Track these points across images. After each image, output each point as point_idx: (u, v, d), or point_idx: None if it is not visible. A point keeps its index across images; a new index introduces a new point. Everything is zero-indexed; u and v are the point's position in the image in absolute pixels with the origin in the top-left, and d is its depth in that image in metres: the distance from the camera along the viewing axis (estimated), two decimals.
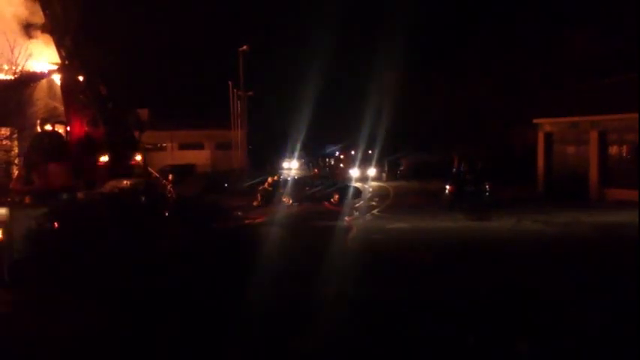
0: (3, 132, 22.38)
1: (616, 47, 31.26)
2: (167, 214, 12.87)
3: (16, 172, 22.25)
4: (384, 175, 47.43)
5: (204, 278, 10.18)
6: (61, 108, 22.75)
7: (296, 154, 58.31)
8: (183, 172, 39.59)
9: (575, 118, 28.46)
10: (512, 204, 24.76)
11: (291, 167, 55.19)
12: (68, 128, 21.95)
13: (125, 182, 19.29)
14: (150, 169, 24.17)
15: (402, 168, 48.52)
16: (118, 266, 10.34)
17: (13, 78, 22.39)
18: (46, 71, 23.49)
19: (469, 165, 28.09)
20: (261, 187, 28.37)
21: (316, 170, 44.79)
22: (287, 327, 8.51)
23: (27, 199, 19.66)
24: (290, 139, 55.93)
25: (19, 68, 22.23)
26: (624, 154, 26.53)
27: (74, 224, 11.81)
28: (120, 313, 9.07)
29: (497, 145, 38.40)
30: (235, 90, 50.79)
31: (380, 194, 31.93)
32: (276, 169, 49.10)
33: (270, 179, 29.06)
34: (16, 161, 22.76)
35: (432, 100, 45.24)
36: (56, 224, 12.01)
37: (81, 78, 21.94)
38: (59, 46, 21.85)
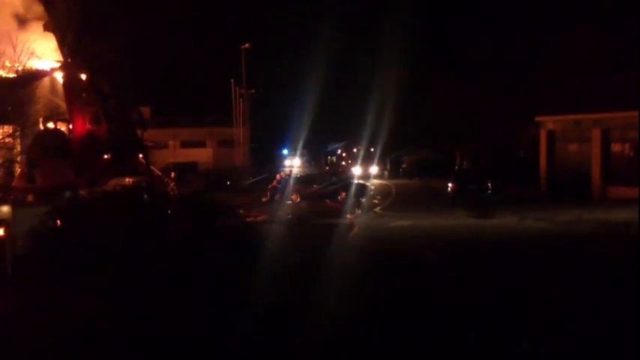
0: (5, 130, 22.42)
1: (618, 45, 31.18)
2: (169, 211, 12.89)
3: (18, 170, 22.29)
4: (386, 172, 47.46)
5: (206, 276, 10.21)
6: (64, 106, 22.78)
7: (298, 151, 58.34)
8: (186, 170, 39.62)
9: (578, 116, 28.41)
10: (515, 202, 24.76)
11: (293, 165, 55.24)
12: (70, 126, 21.98)
13: (127, 180, 19.33)
14: (152, 167, 24.18)
15: (404, 166, 48.54)
16: (119, 264, 10.37)
17: (15, 76, 22.42)
18: (49, 69, 23.53)
19: (471, 163, 28.14)
20: (270, 185, 28.42)
21: (327, 168, 44.90)
22: (287, 324, 8.52)
23: (29, 197, 19.71)
24: (292, 137, 55.96)
25: (22, 66, 22.26)
26: (627, 152, 26.49)
27: (76, 222, 11.84)
28: (121, 310, 9.09)
29: (500, 143, 38.36)
30: (237, 88, 50.77)
31: (382, 192, 31.92)
32: (278, 166, 49.15)
33: (278, 176, 29.13)
34: (18, 159, 22.81)
35: (434, 98, 45.18)
36: (58, 222, 12.04)
37: (83, 76, 21.96)
38: (61, 44, 21.88)
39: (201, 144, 59.73)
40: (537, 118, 30.53)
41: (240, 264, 10.98)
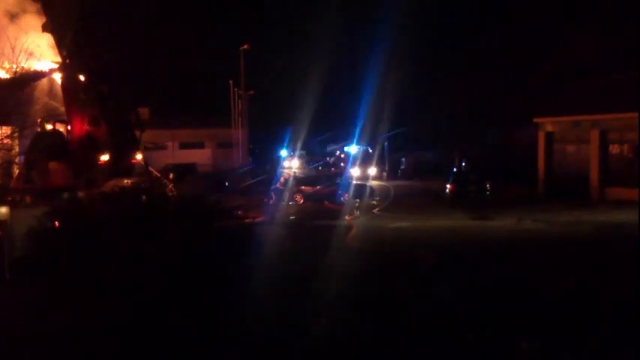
0: (4, 131, 22.41)
1: (617, 46, 31.22)
2: (168, 213, 12.88)
3: (16, 171, 22.25)
4: (384, 174, 47.43)
5: (203, 276, 10.20)
6: (62, 107, 22.75)
7: (297, 153, 58.26)
8: (184, 171, 39.54)
9: (576, 118, 28.44)
10: (513, 203, 24.75)
11: (292, 166, 55.20)
12: (69, 127, 21.95)
13: (126, 181, 19.29)
14: (150, 168, 24.15)
15: (403, 167, 48.56)
16: (118, 265, 10.36)
17: (14, 77, 22.40)
18: (47, 70, 23.50)
19: (470, 164, 28.17)
20: (273, 186, 28.41)
21: (333, 170, 44.97)
22: (284, 325, 8.52)
23: (28, 198, 19.65)
24: (291, 138, 55.89)
25: (20, 67, 22.25)
26: (625, 154, 26.51)
27: (75, 223, 11.83)
28: (120, 311, 9.08)
29: (498, 144, 38.40)
30: (236, 89, 50.79)
31: (381, 193, 31.91)
32: (277, 168, 49.10)
33: (282, 178, 29.13)
34: (16, 160, 22.78)
35: (434, 100, 45.24)
36: (57, 223, 12.03)
37: (82, 77, 21.94)
38: (60, 45, 21.84)
39: (199, 145, 59.69)
40: (536, 120, 30.55)
41: (237, 265, 10.98)
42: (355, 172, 41.45)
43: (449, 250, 14.80)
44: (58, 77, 23.16)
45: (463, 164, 27.99)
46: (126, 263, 10.41)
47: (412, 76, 45.99)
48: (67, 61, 21.94)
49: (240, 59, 47.37)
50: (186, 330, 8.28)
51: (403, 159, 49.27)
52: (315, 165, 54.72)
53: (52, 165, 20.74)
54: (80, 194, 18.34)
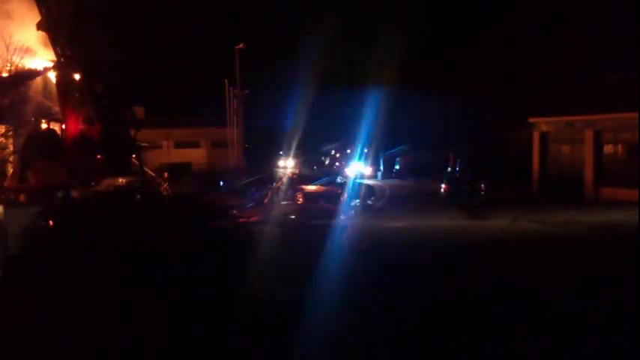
0: None
1: (612, 47, 31.32)
2: (162, 212, 12.84)
3: (10, 170, 22.20)
4: (379, 173, 47.51)
5: (198, 277, 10.18)
6: (56, 106, 22.71)
7: (292, 152, 58.29)
8: (179, 170, 39.53)
9: (571, 118, 28.53)
10: (508, 203, 24.80)
11: (287, 166, 55.19)
12: (63, 126, 21.93)
13: (120, 180, 19.26)
14: (145, 167, 24.11)
15: (397, 167, 48.64)
16: (112, 264, 10.33)
17: (8, 75, 22.33)
18: (42, 69, 23.44)
19: (465, 164, 28.20)
20: (273, 186, 28.39)
21: (333, 169, 45.02)
22: (279, 326, 8.51)
23: (22, 197, 19.60)
24: (286, 138, 55.93)
25: (14, 66, 22.17)
26: (619, 154, 26.61)
27: (69, 222, 11.79)
28: (114, 311, 9.06)
29: (493, 144, 38.47)
30: (231, 88, 50.75)
31: (376, 193, 31.94)
32: (272, 167, 49.09)
33: (282, 178, 29.11)
34: (10, 159, 22.71)
35: (428, 99, 45.27)
36: (51, 222, 11.98)
37: (77, 76, 21.91)
38: (54, 44, 21.82)
39: (195, 144, 59.61)
40: (530, 119, 30.64)
41: (231, 265, 10.96)
42: (350, 171, 41.49)
43: (444, 249, 14.80)
44: (52, 76, 23.14)
45: (458, 164, 28.02)
46: (120, 263, 10.38)
47: (407, 74, 46.03)
48: (62, 59, 21.92)
49: (235, 58, 47.35)
50: (182, 329, 8.28)
51: (398, 158, 49.35)
52: (310, 164, 54.76)
53: (47, 164, 20.73)
54: (74, 193, 18.31)
